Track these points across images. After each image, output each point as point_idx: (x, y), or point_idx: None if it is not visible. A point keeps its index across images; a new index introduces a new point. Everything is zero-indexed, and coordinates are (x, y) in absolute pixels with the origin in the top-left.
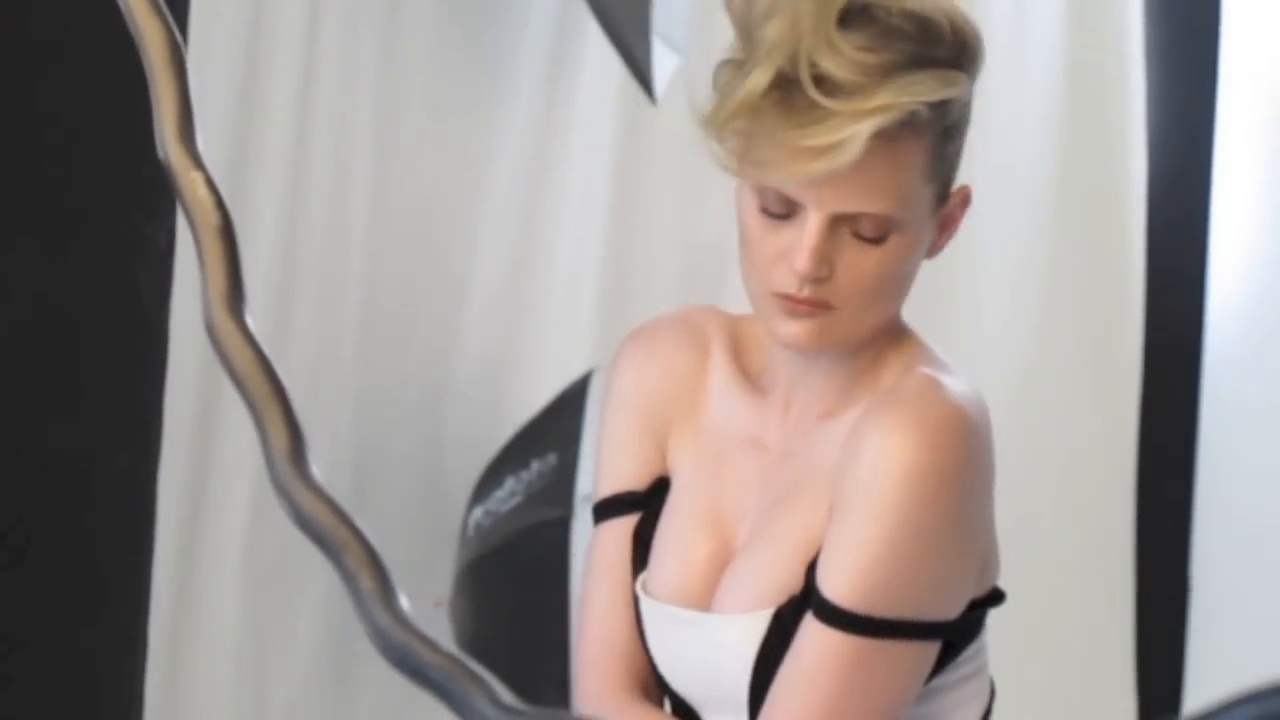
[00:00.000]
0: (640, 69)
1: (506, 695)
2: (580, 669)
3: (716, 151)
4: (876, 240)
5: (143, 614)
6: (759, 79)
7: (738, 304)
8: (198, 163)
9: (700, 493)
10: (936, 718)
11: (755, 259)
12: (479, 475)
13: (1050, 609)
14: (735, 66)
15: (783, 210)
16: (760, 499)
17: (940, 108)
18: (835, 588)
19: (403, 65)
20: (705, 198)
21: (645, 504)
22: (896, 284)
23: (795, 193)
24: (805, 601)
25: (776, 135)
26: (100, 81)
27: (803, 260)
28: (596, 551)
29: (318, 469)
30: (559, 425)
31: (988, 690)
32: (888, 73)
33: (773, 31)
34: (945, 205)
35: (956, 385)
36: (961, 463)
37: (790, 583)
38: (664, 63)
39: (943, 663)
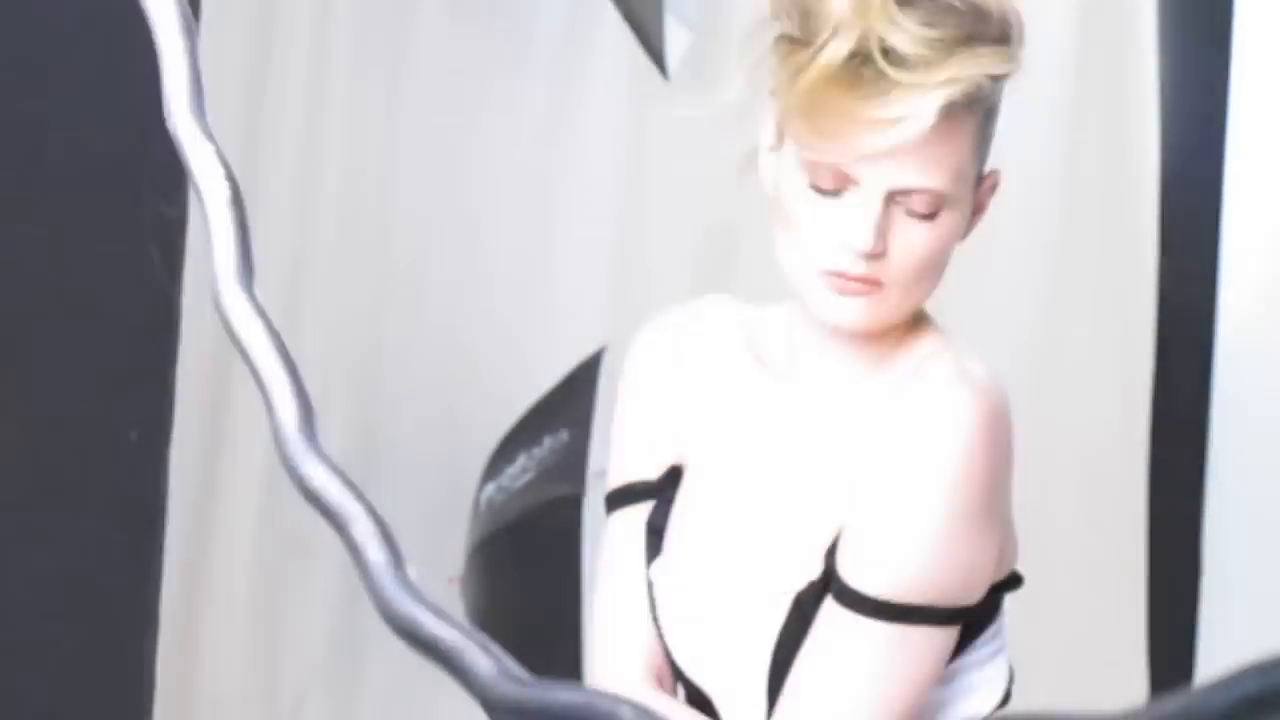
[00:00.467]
0: (653, 45)
1: (514, 666)
2: (593, 659)
3: (784, 125)
4: (928, 217)
5: (154, 590)
6: (836, 50)
7: (749, 284)
8: (207, 135)
9: (715, 478)
10: (956, 700)
11: (803, 236)
12: (491, 452)
13: (1062, 589)
14: (792, 42)
15: (835, 186)
16: (776, 484)
17: (994, 84)
18: (858, 574)
19: (416, 39)
20: (718, 177)
21: (658, 493)
22: (940, 264)
23: (853, 168)
24: (825, 586)
25: (847, 109)
26: (112, 57)
27: (864, 235)
28: (609, 541)
29: (326, 443)
30: (571, 402)
31: (1006, 673)
32: (951, 47)
33: (838, 6)
34: (980, 188)
35: (978, 371)
36: (987, 448)
37: (809, 567)
38: (676, 39)
39: (962, 645)
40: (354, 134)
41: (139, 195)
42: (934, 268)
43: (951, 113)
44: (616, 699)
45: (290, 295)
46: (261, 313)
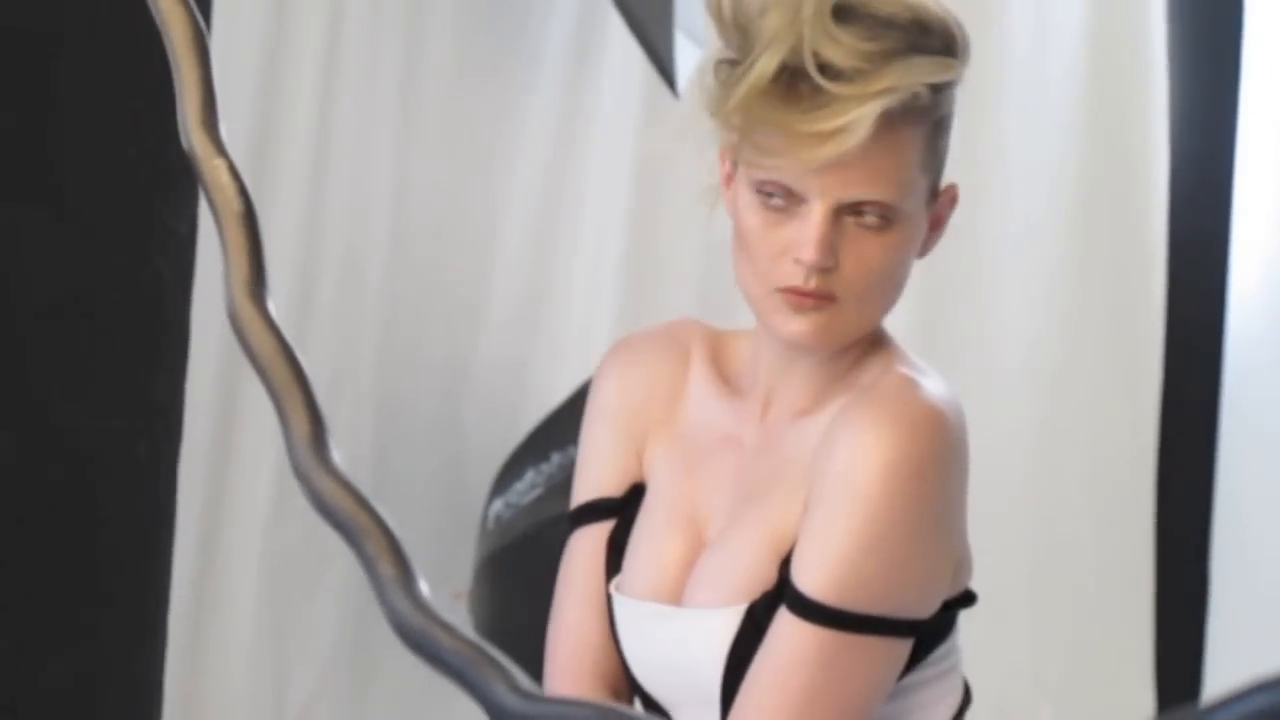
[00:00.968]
0: (662, 61)
1: (525, 681)
2: (551, 673)
3: (728, 143)
4: (878, 229)
5: (163, 603)
6: (766, 65)
7: None
8: (221, 149)
9: (675, 493)
10: (906, 715)
11: (756, 256)
12: (499, 468)
13: (1071, 600)
14: (731, 65)
15: (784, 203)
16: (734, 496)
17: (936, 95)
18: (810, 581)
19: (425, 55)
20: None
21: (620, 510)
22: (895, 278)
23: (799, 183)
24: (778, 597)
25: (783, 123)
26: (122, 69)
27: (810, 250)
28: (570, 557)
29: (339, 456)
30: (580, 418)
31: (959, 691)
32: (888, 58)
33: (772, 23)
34: (936, 202)
35: (933, 386)
36: (936, 460)
37: (763, 578)
38: (686, 55)
39: (914, 661)
40: (362, 151)
41: (149, 210)
42: (889, 281)
43: (892, 124)
44: (625, 714)
45: (298, 310)
46: (274, 326)
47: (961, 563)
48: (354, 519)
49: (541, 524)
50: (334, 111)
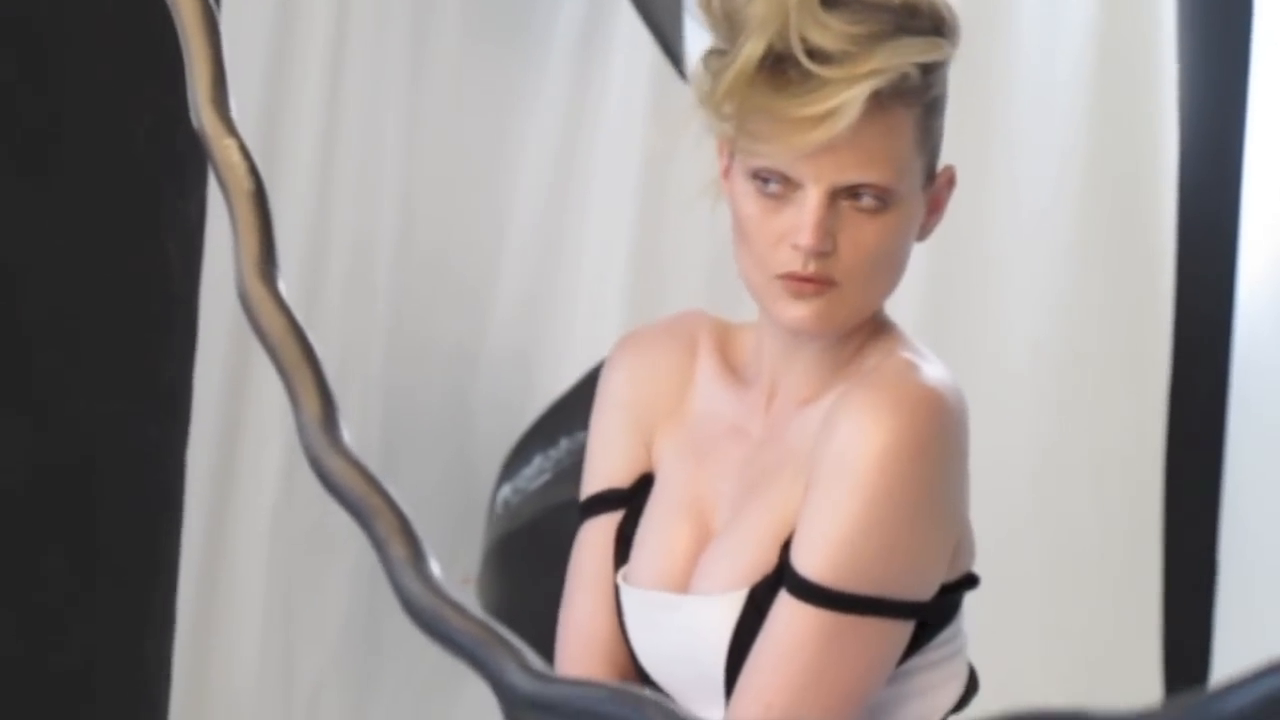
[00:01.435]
0: (671, 47)
1: (537, 662)
2: (560, 664)
3: (722, 131)
4: (875, 212)
5: (171, 586)
6: (752, 50)
7: None
8: (231, 129)
9: (682, 482)
10: (908, 699)
11: (755, 245)
12: (507, 453)
13: (1079, 591)
14: (720, 55)
15: (780, 190)
16: (740, 486)
17: (927, 76)
18: (809, 563)
19: (433, 44)
20: None
21: (629, 501)
22: (894, 260)
23: (793, 169)
24: (779, 581)
25: (773, 109)
26: (129, 50)
27: (807, 235)
28: (580, 548)
29: (349, 436)
30: (588, 403)
31: (964, 676)
32: (876, 40)
33: (758, 10)
34: (933, 184)
35: (933, 370)
36: (935, 443)
37: (764, 563)
38: (696, 41)
39: (916, 645)
40: (370, 140)
41: (156, 191)
42: (888, 264)
43: (884, 106)
44: (639, 696)
45: (306, 299)
46: (285, 305)
47: (962, 546)
48: (365, 499)
49: (549, 509)
50: (342, 100)
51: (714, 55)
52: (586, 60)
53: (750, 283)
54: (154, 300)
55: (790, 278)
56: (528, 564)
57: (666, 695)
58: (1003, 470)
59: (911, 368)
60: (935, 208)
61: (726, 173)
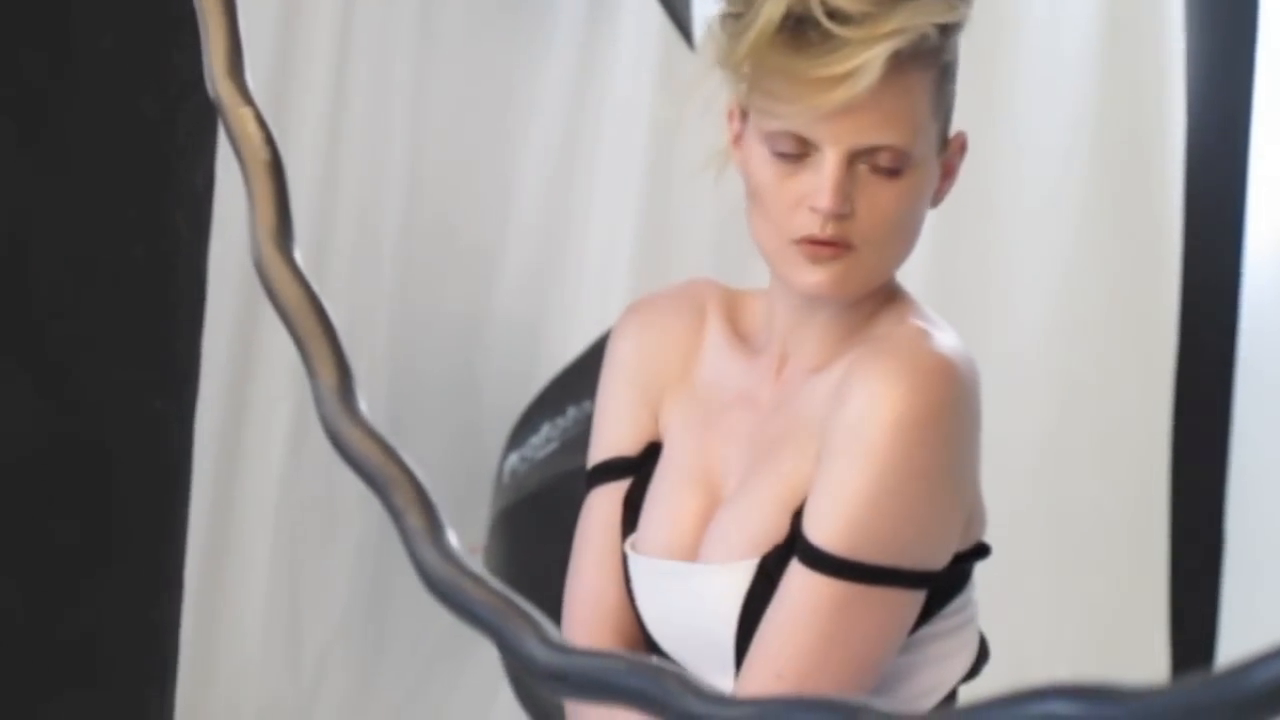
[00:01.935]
0: (679, 16)
1: (555, 634)
2: (567, 629)
3: (739, 94)
4: (891, 175)
5: (179, 557)
6: (772, 11)
7: None
8: (247, 98)
9: (690, 451)
10: (920, 669)
11: (771, 209)
12: (515, 422)
13: (1086, 566)
14: (736, 17)
15: (797, 151)
16: (749, 453)
17: (944, 38)
18: (821, 532)
19: (441, 14)
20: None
21: (637, 469)
22: (911, 224)
23: (811, 131)
24: (790, 550)
25: (793, 69)
26: (137, 21)
27: (826, 196)
28: (587, 515)
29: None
30: (595, 372)
31: (975, 645)
32: (896, 2)
33: None
34: (946, 150)
35: (945, 338)
36: (949, 411)
37: (775, 531)
38: (703, 10)
39: (928, 614)
40: (377, 111)
41: (165, 163)
42: (904, 228)
43: (902, 67)
44: (658, 667)
45: (313, 269)
46: (301, 276)
47: (974, 515)
48: (382, 470)
49: (557, 478)
50: (349, 68)
51: (730, 18)
52: (594, 30)
53: (765, 249)
54: (162, 271)
55: (807, 241)
56: (535, 532)
57: (677, 663)
58: (1009, 447)
59: (924, 335)
60: (948, 173)
61: (737, 140)
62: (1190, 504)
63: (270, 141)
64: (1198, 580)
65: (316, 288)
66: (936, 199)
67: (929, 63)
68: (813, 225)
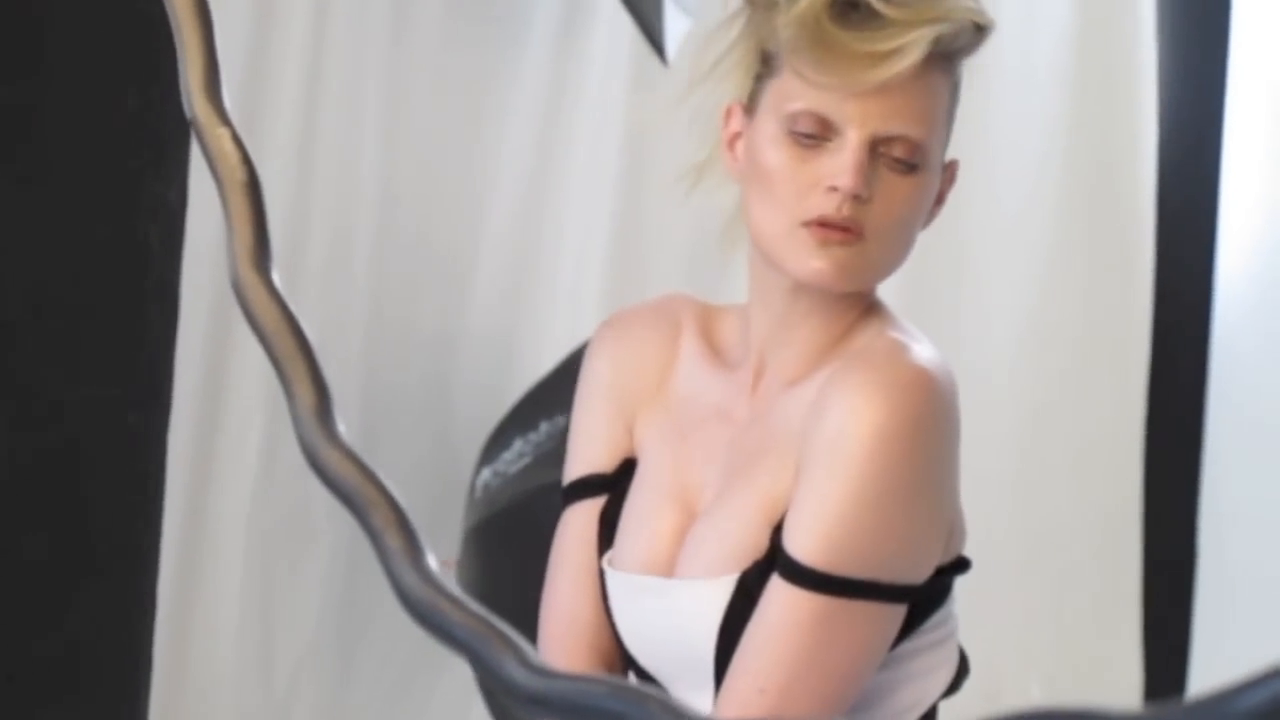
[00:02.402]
0: (652, 30)
1: (534, 656)
2: (543, 646)
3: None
4: (906, 171)
5: (152, 573)
6: None
7: (745, 277)
8: (224, 118)
9: (666, 466)
10: (901, 684)
11: (781, 192)
12: (487, 436)
13: (1059, 577)
14: (769, 6)
15: (817, 132)
16: (725, 468)
17: (976, 37)
18: (801, 546)
19: (413, 27)
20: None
21: (612, 486)
22: (913, 228)
23: (837, 112)
24: (770, 565)
25: (838, 43)
26: (112, 38)
27: (847, 176)
28: (563, 532)
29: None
30: (568, 387)
31: (955, 660)
32: None
33: None
34: (943, 173)
35: (923, 350)
36: (928, 423)
37: (755, 546)
38: (676, 25)
39: (909, 629)
40: (349, 124)
41: (138, 178)
42: (909, 229)
43: (930, 64)
44: (642, 692)
45: (285, 283)
46: (279, 296)
47: (954, 528)
48: (360, 491)
49: (530, 493)
50: (322, 82)
51: (760, 6)
52: (567, 44)
53: (766, 235)
54: (135, 286)
55: (819, 223)
56: (507, 548)
57: (656, 682)
58: (983, 462)
59: (902, 348)
60: (939, 199)
61: (733, 140)
62: (1163, 518)
63: (247, 161)
64: (1170, 594)
65: (290, 304)
66: (926, 222)
67: (949, 69)
68: (828, 205)
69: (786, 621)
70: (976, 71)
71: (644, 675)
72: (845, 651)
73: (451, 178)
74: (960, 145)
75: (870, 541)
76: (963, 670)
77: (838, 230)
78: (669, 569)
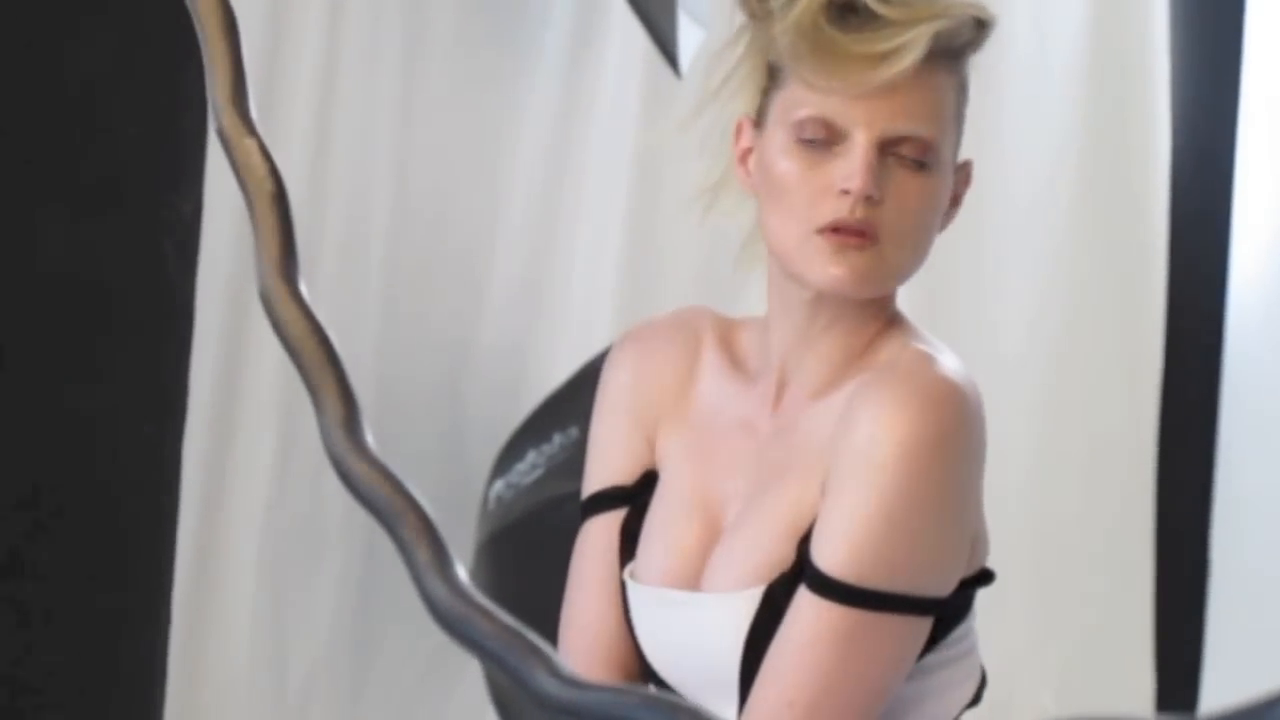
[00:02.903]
0: (665, 42)
1: (563, 667)
2: (563, 659)
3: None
4: (917, 170)
5: (166, 582)
6: None
7: (760, 287)
8: (251, 129)
9: (689, 479)
10: (927, 697)
11: (794, 200)
12: (500, 448)
13: (1071, 588)
14: (766, 13)
15: (825, 137)
16: (750, 481)
17: (977, 34)
18: (829, 559)
19: (427, 38)
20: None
21: (633, 498)
22: (929, 228)
23: (843, 116)
24: (797, 578)
25: (837, 45)
26: (130, 51)
27: (858, 178)
28: (583, 545)
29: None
30: (581, 399)
31: (978, 673)
32: None
33: None
34: (957, 175)
35: (950, 362)
36: (956, 436)
37: (781, 559)
38: (689, 36)
39: (933, 641)
40: (363, 134)
41: (153, 191)
42: (925, 228)
43: (933, 62)
44: (673, 703)
45: None
46: (307, 306)
47: (978, 540)
48: (390, 502)
49: (543, 505)
50: (335, 94)
51: (758, 12)
52: (581, 52)
53: (785, 246)
54: (150, 297)
55: (834, 229)
56: (521, 560)
57: (678, 694)
58: (995, 466)
59: (929, 360)
60: (955, 200)
61: (745, 156)
62: (1176, 527)
63: (275, 173)
64: (1183, 603)
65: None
66: (944, 222)
67: (955, 67)
68: (841, 209)
69: (814, 634)
70: (989, 74)
71: (666, 689)
72: (872, 664)
73: (466, 186)
74: (973, 148)
75: (899, 554)
76: (982, 682)
77: (853, 235)
78: (693, 582)
